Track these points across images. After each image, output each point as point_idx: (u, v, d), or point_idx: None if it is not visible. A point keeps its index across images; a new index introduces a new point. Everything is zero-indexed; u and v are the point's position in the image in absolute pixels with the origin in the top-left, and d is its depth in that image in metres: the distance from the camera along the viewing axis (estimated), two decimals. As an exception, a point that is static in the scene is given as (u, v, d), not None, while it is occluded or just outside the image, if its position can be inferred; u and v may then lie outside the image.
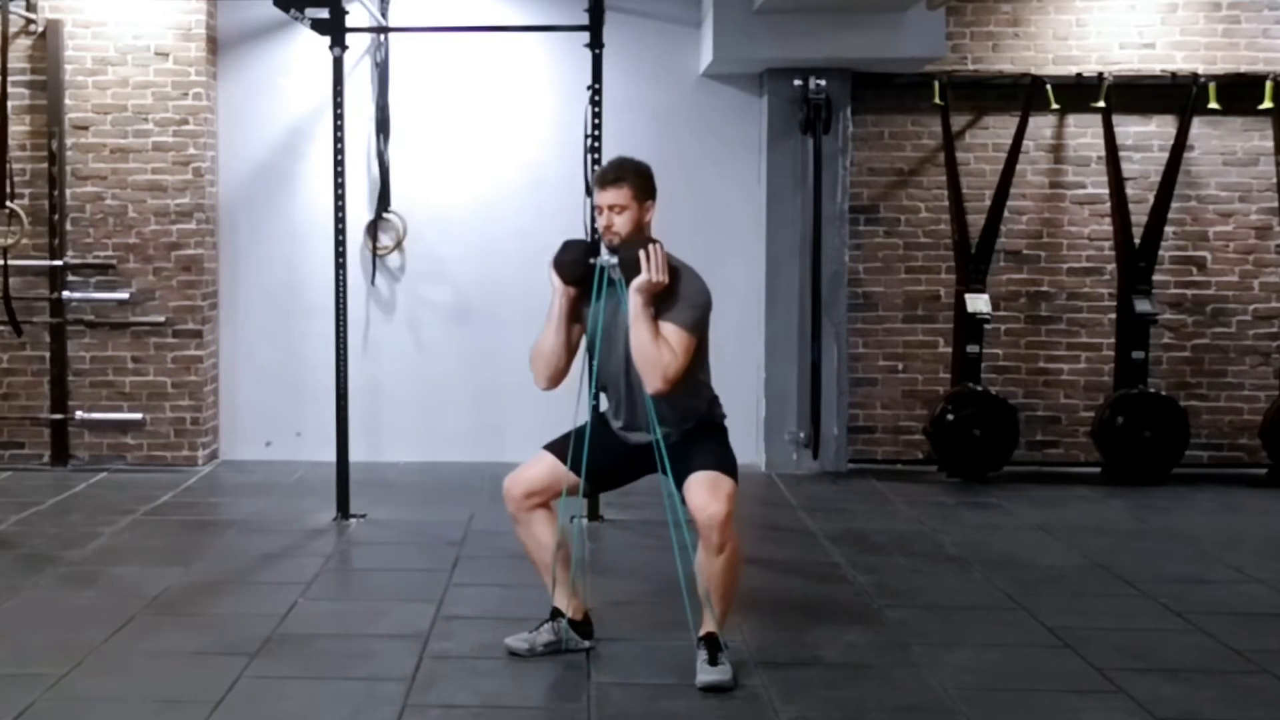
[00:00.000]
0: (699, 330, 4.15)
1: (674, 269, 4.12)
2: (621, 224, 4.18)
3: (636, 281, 4.06)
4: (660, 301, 4.10)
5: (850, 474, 7.81)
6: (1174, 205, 7.76)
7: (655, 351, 4.03)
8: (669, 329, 4.08)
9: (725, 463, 4.19)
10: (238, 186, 7.99)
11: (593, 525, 6.33)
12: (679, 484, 4.16)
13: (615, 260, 4.14)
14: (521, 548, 4.46)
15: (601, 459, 4.31)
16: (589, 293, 4.25)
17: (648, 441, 4.22)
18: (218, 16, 7.88)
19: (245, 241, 8.02)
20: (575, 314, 4.30)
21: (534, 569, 4.47)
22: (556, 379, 4.31)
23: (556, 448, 4.35)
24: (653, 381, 4.06)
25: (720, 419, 4.36)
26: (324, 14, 6.33)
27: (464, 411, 8.04)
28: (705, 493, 4.05)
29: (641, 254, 4.05)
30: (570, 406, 4.43)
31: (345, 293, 6.51)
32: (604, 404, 4.50)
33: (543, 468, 4.34)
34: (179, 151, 7.69)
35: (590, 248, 4.29)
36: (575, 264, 4.25)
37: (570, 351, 4.31)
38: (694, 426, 4.25)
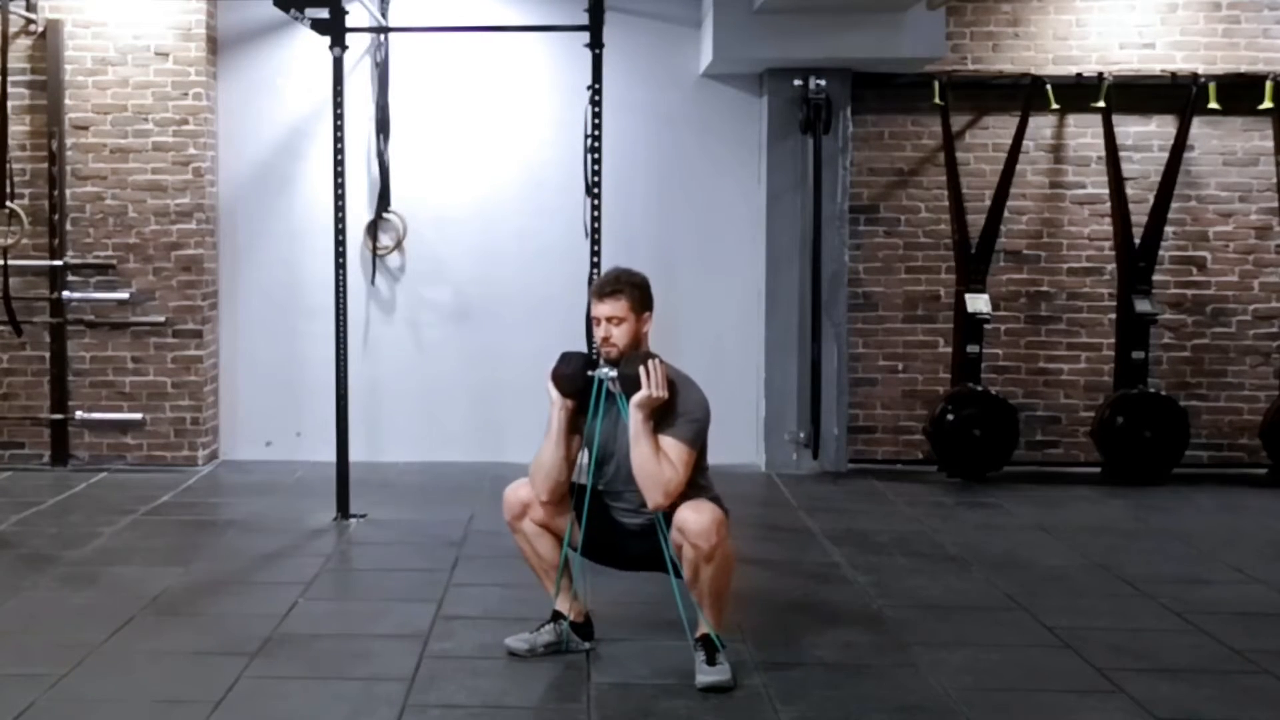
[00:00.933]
0: (699, 443, 4.16)
1: (672, 381, 4.12)
2: (619, 336, 4.17)
3: (637, 398, 4.06)
4: (660, 416, 4.10)
5: (850, 474, 7.80)
6: (1174, 205, 7.76)
7: (657, 468, 4.05)
8: (670, 444, 4.08)
9: (714, 500, 4.19)
10: (238, 186, 7.99)
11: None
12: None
13: (614, 373, 4.15)
14: (519, 553, 4.47)
15: (599, 530, 4.33)
16: (587, 404, 4.25)
17: (650, 523, 4.21)
18: (218, 16, 7.88)
19: (245, 241, 8.02)
20: (574, 425, 4.29)
21: (533, 574, 4.48)
22: (558, 492, 4.29)
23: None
24: (654, 498, 4.07)
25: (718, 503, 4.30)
26: (324, 14, 6.33)
27: (464, 411, 8.04)
28: (691, 510, 4.06)
29: (642, 370, 4.05)
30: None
31: (345, 293, 6.51)
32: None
33: None
34: (179, 151, 7.69)
35: (588, 361, 4.30)
36: (574, 377, 4.24)
37: (570, 464, 4.31)
38: None
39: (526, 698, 4.07)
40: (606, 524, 4.36)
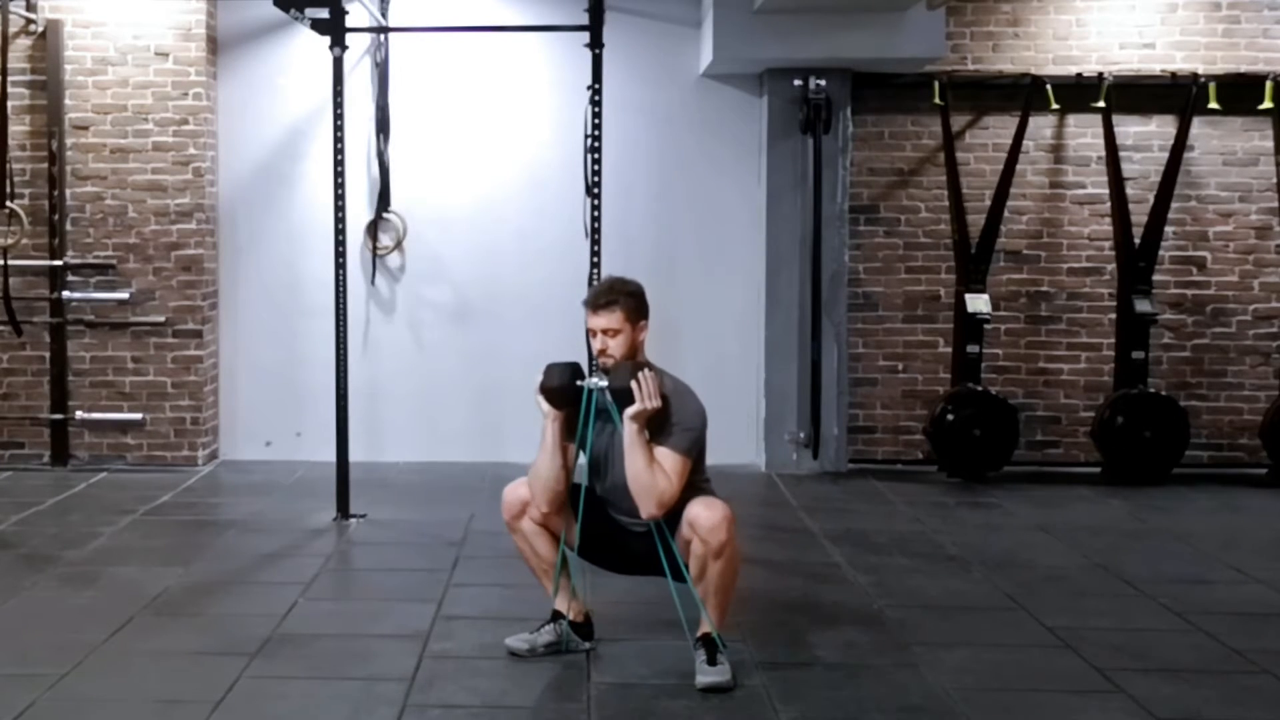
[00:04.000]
0: (694, 453, 4.14)
1: (665, 395, 4.10)
2: (616, 347, 4.16)
3: (630, 410, 4.03)
4: (655, 426, 4.08)
5: (850, 474, 7.80)
6: (1174, 205, 7.75)
7: (651, 479, 4.04)
8: (664, 454, 4.07)
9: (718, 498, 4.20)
10: (238, 186, 7.99)
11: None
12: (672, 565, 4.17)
13: (604, 384, 4.12)
14: (518, 552, 4.47)
15: (598, 530, 4.31)
16: (579, 412, 4.21)
17: (647, 529, 4.21)
18: (218, 16, 7.88)
19: (245, 241, 8.02)
20: (569, 434, 4.26)
21: (532, 574, 4.48)
22: (557, 503, 4.26)
23: None
24: (648, 508, 4.06)
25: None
26: (324, 14, 6.33)
27: (464, 411, 8.04)
28: (703, 506, 4.06)
29: (633, 384, 4.02)
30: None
31: (345, 293, 6.51)
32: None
33: None
34: (179, 151, 7.69)
35: (575, 369, 4.24)
36: (563, 390, 4.19)
37: (568, 474, 4.27)
38: None
39: (526, 698, 4.07)
40: (605, 524, 4.35)
